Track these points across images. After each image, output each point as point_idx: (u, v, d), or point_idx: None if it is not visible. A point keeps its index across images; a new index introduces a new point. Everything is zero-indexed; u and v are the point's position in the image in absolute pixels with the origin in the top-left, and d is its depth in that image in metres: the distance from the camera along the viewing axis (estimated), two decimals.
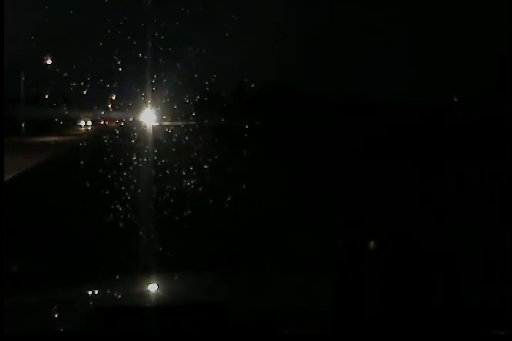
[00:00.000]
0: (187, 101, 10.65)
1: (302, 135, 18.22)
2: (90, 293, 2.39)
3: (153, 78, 9.53)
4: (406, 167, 13.04)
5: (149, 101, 9.97)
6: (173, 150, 9.19)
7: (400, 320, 1.46)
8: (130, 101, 10.28)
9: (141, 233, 6.37)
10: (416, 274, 1.47)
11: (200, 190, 8.32)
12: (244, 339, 1.63)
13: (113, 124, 18.75)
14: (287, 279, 2.51)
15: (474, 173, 11.88)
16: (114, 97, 13.34)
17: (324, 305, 1.48)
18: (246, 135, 13.49)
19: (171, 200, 7.61)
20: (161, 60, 9.61)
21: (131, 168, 8.28)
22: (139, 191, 7.68)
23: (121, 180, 7.97)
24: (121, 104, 12.05)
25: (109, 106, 14.16)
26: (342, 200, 8.63)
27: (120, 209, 7.14)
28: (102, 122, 23.48)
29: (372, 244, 1.49)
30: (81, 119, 37.47)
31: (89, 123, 37.93)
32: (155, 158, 8.73)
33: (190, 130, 10.27)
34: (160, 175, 8.64)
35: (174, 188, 8.32)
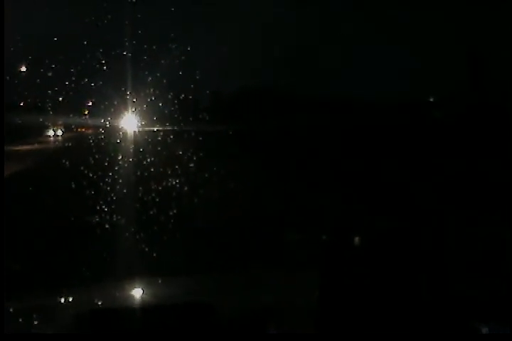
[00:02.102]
0: (166, 106, 10.81)
1: (291, 136, 18.43)
2: (80, 297, 2.48)
3: (131, 84, 9.68)
4: (393, 165, 13.30)
5: (127, 107, 10.10)
6: (149, 157, 9.27)
7: (387, 316, 1.58)
8: (107, 108, 10.38)
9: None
10: (403, 270, 1.66)
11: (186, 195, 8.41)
12: (232, 337, 1.71)
13: (89, 131, 18.72)
14: (274, 278, 2.58)
15: (461, 171, 12.15)
16: (90, 103, 13.46)
17: (311, 302, 1.70)
18: (233, 139, 13.68)
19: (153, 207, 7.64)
20: (138, 66, 9.77)
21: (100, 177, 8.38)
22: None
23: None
24: (98, 110, 12.15)
25: (86, 112, 14.26)
26: (329, 198, 8.88)
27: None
28: (77, 129, 23.18)
29: (357, 239, 1.70)
30: (50, 128, 34.52)
31: (60, 132, 35.06)
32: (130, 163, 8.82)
33: (169, 135, 10.39)
34: (136, 178, 8.73)
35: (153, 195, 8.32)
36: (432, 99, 26.82)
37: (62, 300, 2.46)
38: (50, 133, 35.30)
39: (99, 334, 1.73)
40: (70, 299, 2.46)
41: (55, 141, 32.82)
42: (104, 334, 1.73)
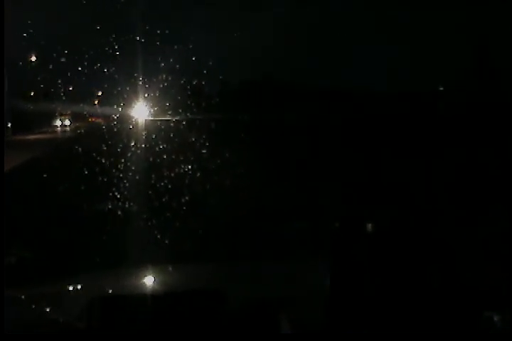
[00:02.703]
0: (177, 94, 10.86)
1: (295, 126, 18.47)
2: (91, 284, 2.48)
3: (140, 74, 9.71)
4: (400, 155, 13.32)
5: (138, 96, 10.15)
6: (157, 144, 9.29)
7: (398, 306, 1.54)
8: (117, 97, 10.43)
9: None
10: (413, 258, 1.64)
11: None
12: (242, 325, 1.74)
13: (99, 120, 18.74)
14: (284, 267, 2.58)
15: (468, 162, 12.17)
16: (100, 93, 13.54)
17: (321, 291, 1.61)
18: (239, 128, 13.68)
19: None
20: (148, 56, 9.80)
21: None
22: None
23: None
24: (108, 99, 12.23)
25: (96, 102, 14.33)
26: (338, 187, 8.92)
27: None
28: (86, 119, 23.00)
29: (369, 226, 1.67)
30: (57, 118, 33.63)
31: (67, 122, 33.98)
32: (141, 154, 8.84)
33: (180, 123, 10.42)
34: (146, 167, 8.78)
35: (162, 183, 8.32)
36: (435, 90, 26.76)
37: (73, 288, 2.48)
38: (57, 123, 34.22)
39: (111, 323, 1.76)
40: (81, 286, 2.48)
41: (62, 131, 32.49)
42: (114, 321, 1.76)
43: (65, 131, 31.72)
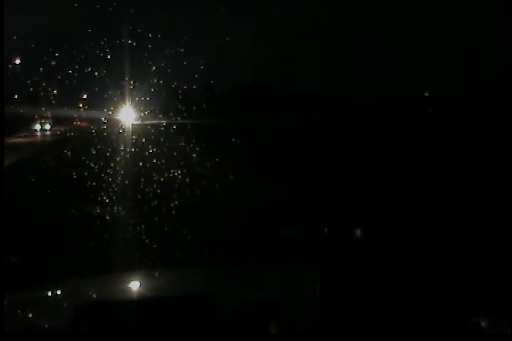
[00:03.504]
0: (163, 100, 10.89)
1: (286, 133, 18.55)
2: (75, 290, 2.46)
3: (128, 77, 9.72)
4: (389, 161, 13.43)
5: (124, 100, 10.15)
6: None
7: (389, 309, 1.54)
8: (102, 100, 10.41)
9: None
10: (404, 263, 1.60)
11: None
12: (232, 330, 1.73)
13: (83, 125, 18.57)
14: (275, 272, 2.60)
15: (456, 166, 12.31)
16: (84, 96, 13.53)
17: (312, 296, 1.62)
18: (230, 133, 13.70)
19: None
20: (136, 59, 9.83)
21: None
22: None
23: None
24: (93, 103, 12.23)
25: (80, 105, 14.29)
26: (331, 192, 9.00)
27: None
28: (70, 123, 22.68)
29: (358, 232, 1.63)
30: (36, 122, 32.87)
31: (47, 127, 33.50)
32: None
33: (168, 128, 10.45)
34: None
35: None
36: (424, 95, 27.05)
37: (60, 293, 2.49)
38: (37, 127, 33.28)
39: (97, 328, 1.76)
40: (67, 291, 2.48)
41: (42, 135, 31.98)
42: (103, 326, 1.77)
43: (45, 136, 31.26)
